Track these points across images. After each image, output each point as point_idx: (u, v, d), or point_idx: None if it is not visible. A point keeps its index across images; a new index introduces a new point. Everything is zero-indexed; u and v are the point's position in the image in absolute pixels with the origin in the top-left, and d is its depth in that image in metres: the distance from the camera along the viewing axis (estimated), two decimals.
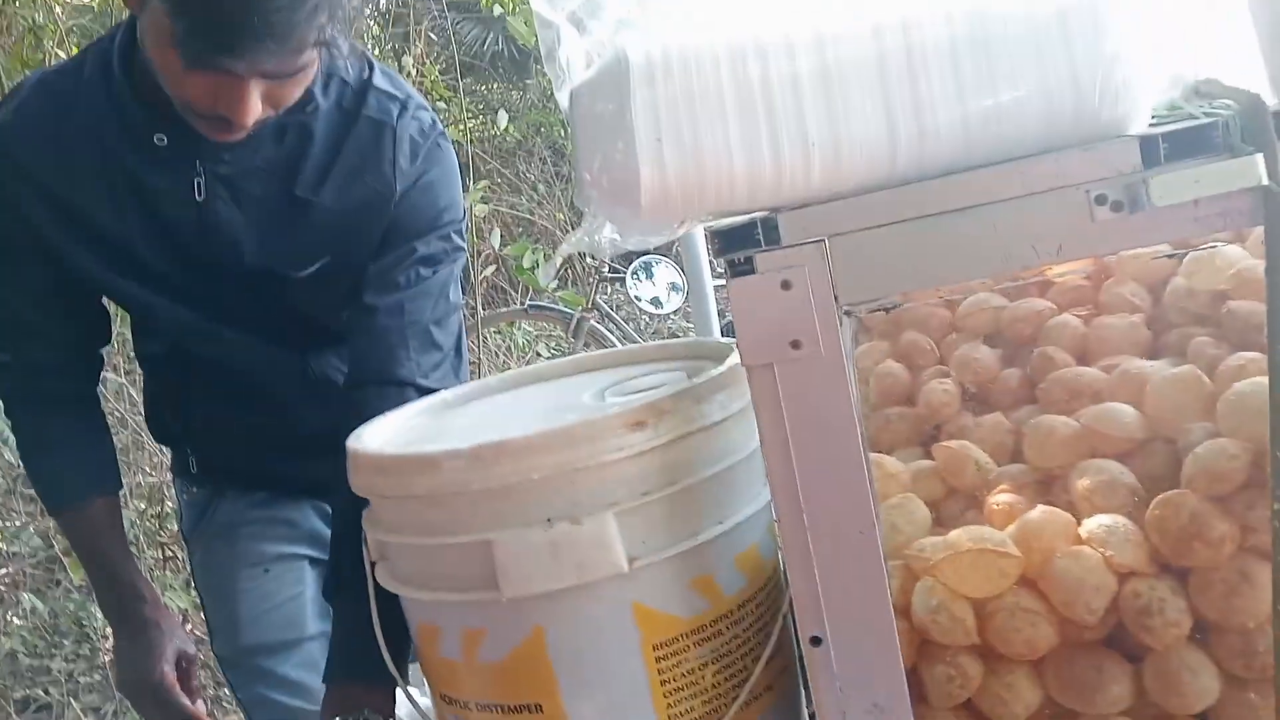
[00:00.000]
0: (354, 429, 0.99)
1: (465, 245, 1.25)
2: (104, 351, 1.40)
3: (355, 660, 1.02)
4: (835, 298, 0.71)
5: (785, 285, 0.71)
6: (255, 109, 0.99)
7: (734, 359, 0.90)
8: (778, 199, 0.71)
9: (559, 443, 0.79)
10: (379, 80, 1.20)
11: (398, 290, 1.19)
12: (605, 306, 4.25)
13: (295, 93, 1.04)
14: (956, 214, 0.69)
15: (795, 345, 0.72)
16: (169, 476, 1.85)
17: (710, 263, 2.23)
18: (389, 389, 1.15)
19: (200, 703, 1.33)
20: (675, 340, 1.72)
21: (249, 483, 1.49)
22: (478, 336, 3.48)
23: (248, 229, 1.18)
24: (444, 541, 0.84)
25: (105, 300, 1.35)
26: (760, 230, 0.71)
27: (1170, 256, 0.90)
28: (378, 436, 0.97)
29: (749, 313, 0.73)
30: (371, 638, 0.95)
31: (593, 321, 3.89)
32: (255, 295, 1.25)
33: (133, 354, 1.52)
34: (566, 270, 5.16)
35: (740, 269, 0.72)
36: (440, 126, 1.25)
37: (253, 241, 1.19)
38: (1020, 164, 0.68)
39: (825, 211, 0.70)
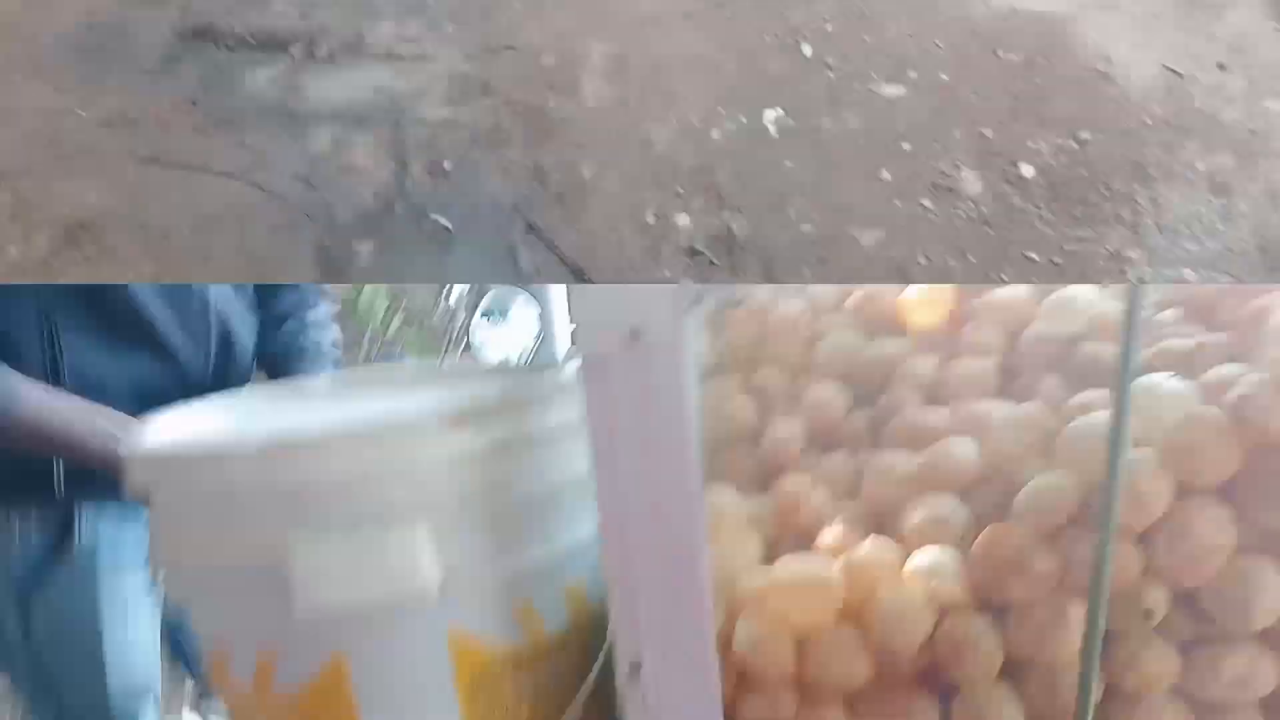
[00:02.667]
0: None
1: None
2: None
3: None
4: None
5: None
6: None
7: (575, 364, 0.85)
8: None
9: (365, 440, 0.73)
10: None
11: None
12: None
13: None
14: None
15: (635, 335, 0.68)
16: None
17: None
18: None
19: None
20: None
21: None
22: None
23: None
24: (231, 546, 0.76)
25: None
26: None
27: None
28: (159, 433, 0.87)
29: (586, 295, 0.68)
30: None
31: None
32: None
33: None
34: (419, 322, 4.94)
35: None
36: None
37: None
38: None
39: None
